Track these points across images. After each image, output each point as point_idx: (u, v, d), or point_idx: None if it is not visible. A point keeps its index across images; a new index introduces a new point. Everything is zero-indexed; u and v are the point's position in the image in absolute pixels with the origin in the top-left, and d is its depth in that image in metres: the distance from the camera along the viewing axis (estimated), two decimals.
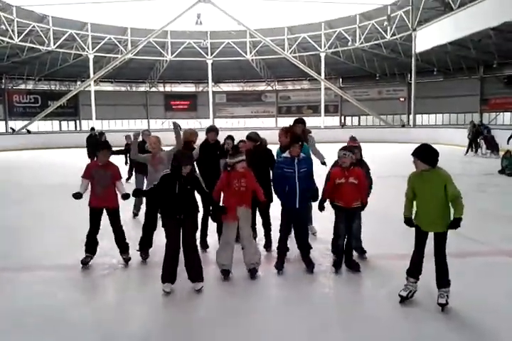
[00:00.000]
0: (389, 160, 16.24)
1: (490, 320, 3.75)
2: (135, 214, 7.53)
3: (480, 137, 18.37)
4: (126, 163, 11.29)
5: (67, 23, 31.36)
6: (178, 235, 4.37)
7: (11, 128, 32.76)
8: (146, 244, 5.39)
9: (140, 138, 6.42)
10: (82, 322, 3.84)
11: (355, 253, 5.12)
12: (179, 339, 3.63)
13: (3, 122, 35.23)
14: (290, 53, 34.04)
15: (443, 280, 3.90)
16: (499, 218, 7.34)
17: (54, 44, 31.07)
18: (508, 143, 15.60)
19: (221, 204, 4.67)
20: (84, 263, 5.07)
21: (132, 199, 7.21)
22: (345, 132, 16.59)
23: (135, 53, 33.74)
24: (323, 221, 5.82)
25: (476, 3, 19.81)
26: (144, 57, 35.51)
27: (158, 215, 5.19)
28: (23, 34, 28.87)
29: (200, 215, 4.74)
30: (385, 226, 6.48)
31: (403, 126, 32.00)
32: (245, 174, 4.64)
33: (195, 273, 4.43)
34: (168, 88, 42.98)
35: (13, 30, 28.15)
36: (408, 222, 3.99)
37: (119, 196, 5.02)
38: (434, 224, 3.87)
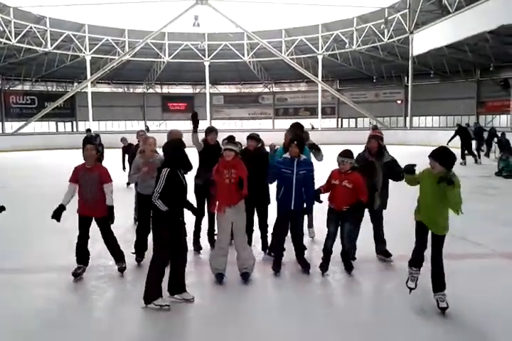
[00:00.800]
0: None
1: (487, 321, 3.76)
2: (136, 220, 7.00)
3: (494, 140, 16.96)
4: (123, 168, 10.38)
5: (64, 25, 31.27)
6: (169, 242, 4.09)
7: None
8: (140, 247, 5.33)
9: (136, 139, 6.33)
10: (78, 325, 3.81)
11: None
12: None
13: (0, 123, 35.11)
14: (287, 55, 34.06)
15: (439, 283, 3.89)
16: (496, 220, 7.36)
17: (51, 45, 30.96)
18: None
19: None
20: (76, 275, 4.74)
21: (131, 203, 7.18)
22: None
23: (132, 55, 33.68)
24: (323, 222, 5.81)
25: (473, 7, 19.88)
26: (142, 59, 35.45)
27: None
28: (20, 35, 28.76)
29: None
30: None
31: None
32: (236, 164, 4.60)
33: (184, 283, 4.27)
34: (166, 90, 42.90)
35: (10, 31, 28.03)
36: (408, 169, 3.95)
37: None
38: (434, 224, 3.87)
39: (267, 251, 5.59)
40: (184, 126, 35.78)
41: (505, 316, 3.85)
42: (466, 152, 15.71)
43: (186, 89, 43.25)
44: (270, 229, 5.61)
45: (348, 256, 4.99)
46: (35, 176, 13.92)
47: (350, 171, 4.75)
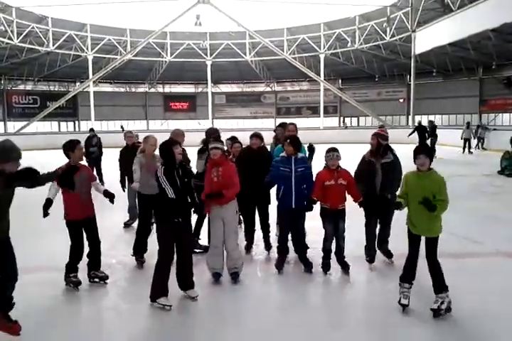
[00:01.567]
0: None
1: (487, 321, 3.74)
2: (126, 225, 7.09)
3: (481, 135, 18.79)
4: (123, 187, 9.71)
5: (66, 24, 31.33)
6: (174, 244, 4.16)
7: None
8: (140, 248, 5.31)
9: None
10: (78, 325, 3.82)
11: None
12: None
13: (2, 123, 35.21)
14: (289, 54, 34.01)
15: (439, 285, 3.86)
16: (498, 219, 7.32)
17: (53, 45, 31.03)
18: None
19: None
20: (77, 284, 4.55)
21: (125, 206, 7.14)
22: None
23: (134, 54, 33.70)
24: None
25: (476, 5, 19.81)
26: (143, 58, 35.47)
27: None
28: (23, 35, 28.82)
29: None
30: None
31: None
32: (221, 162, 4.59)
33: (191, 280, 4.33)
34: (168, 89, 42.94)
35: (12, 31, 28.10)
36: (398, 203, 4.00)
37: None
38: (426, 229, 3.87)
39: (270, 251, 5.59)
40: (186, 125, 35.91)
41: (507, 315, 3.84)
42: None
43: (188, 89, 43.27)
44: (270, 230, 5.61)
45: (342, 255, 4.94)
46: None
47: (339, 168, 4.77)
